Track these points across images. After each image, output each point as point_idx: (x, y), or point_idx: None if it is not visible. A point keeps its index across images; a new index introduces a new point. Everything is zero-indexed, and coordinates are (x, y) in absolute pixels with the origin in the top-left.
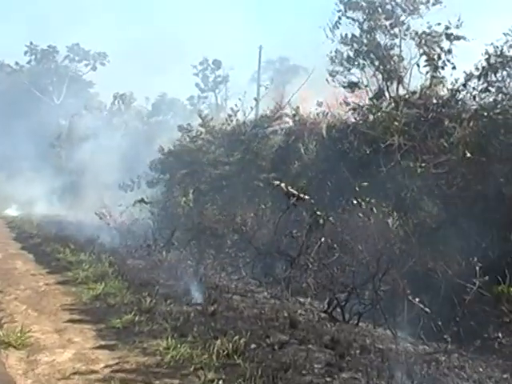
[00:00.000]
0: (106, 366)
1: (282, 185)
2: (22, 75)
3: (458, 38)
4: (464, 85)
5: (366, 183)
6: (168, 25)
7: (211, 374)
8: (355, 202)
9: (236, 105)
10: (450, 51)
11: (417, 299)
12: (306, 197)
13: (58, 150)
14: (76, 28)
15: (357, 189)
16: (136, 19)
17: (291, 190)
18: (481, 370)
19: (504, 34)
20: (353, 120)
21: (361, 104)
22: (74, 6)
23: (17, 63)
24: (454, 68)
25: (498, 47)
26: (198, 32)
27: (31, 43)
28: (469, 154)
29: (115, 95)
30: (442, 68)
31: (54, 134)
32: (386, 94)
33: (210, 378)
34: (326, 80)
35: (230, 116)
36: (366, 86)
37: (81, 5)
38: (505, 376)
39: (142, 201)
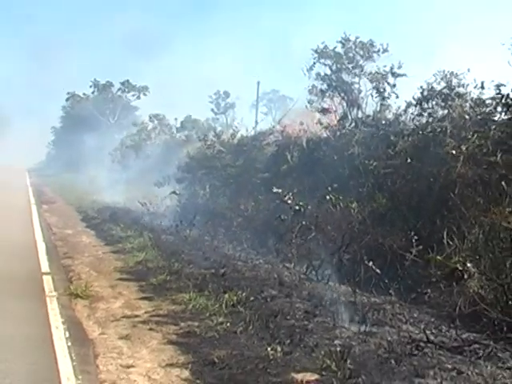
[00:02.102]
0: (146, 312)
1: (279, 191)
2: (87, 102)
3: (399, 75)
4: (405, 110)
5: (333, 184)
6: (193, 64)
7: (221, 318)
8: (328, 197)
9: (238, 124)
10: (394, 85)
11: (370, 264)
12: (289, 201)
13: (113, 156)
14: (127, 66)
15: (329, 188)
16: (169, 59)
17: (284, 197)
18: (415, 315)
19: (433, 74)
20: (325, 135)
21: (331, 124)
22: (126, 50)
23: (84, 94)
24: (397, 97)
25: (429, 83)
26: (215, 70)
27: (95, 79)
28: (408, 161)
29: (151, 116)
30: (389, 98)
31: (110, 145)
32: (349, 116)
33: (220, 321)
34: (306, 106)
35: (235, 132)
36: (335, 111)
37: (130, 49)
38: (432, 319)
39: (173, 193)
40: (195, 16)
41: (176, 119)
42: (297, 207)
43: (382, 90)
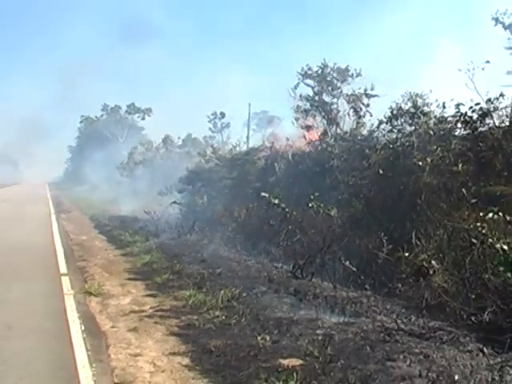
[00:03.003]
0: (151, 307)
1: (267, 195)
2: (98, 124)
3: (372, 96)
4: (377, 127)
5: (315, 192)
6: (192, 88)
7: (217, 312)
8: (310, 205)
9: (233, 142)
10: (368, 105)
11: (347, 263)
12: (276, 201)
13: (121, 171)
14: (132, 90)
15: (312, 197)
16: (172, 83)
17: (272, 200)
18: (388, 307)
19: (401, 95)
20: (308, 150)
21: (313, 139)
22: (129, 75)
23: (95, 116)
24: (371, 115)
25: (398, 103)
26: (212, 92)
27: (105, 104)
28: (381, 171)
29: (162, 138)
30: (363, 116)
31: (119, 161)
32: (329, 133)
33: (217, 315)
34: (292, 123)
35: (232, 148)
36: (317, 128)
37: (134, 74)
38: (402, 310)
39: (174, 202)
40: (198, 49)
41: (179, 138)
42: (279, 208)
43: (357, 110)
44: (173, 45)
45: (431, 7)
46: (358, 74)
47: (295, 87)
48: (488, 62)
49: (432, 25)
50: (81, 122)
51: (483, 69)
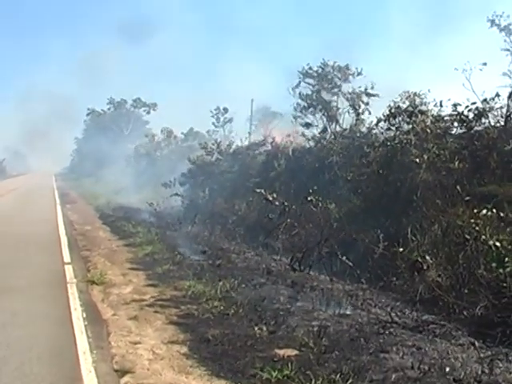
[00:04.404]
0: (152, 297)
1: (262, 191)
2: (105, 117)
3: (372, 95)
4: (376, 125)
5: (314, 187)
6: (194, 83)
7: (216, 302)
8: (309, 198)
9: (234, 136)
10: (367, 103)
11: (344, 257)
12: (271, 198)
13: (126, 163)
14: (139, 85)
15: (310, 191)
16: (176, 77)
17: (267, 195)
18: (382, 300)
19: (399, 94)
20: (308, 146)
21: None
22: (136, 71)
23: (102, 110)
24: (369, 114)
25: (396, 102)
26: (215, 87)
27: (111, 97)
28: (380, 171)
29: (162, 129)
30: (363, 114)
31: (124, 153)
32: (329, 130)
33: (215, 305)
34: (292, 121)
35: (232, 143)
36: (316, 125)
37: (141, 70)
38: (397, 304)
39: (176, 194)
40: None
41: (182, 133)
42: (277, 203)
43: (356, 108)
44: (180, 40)
45: (428, 7)
46: (359, 73)
47: (296, 86)
48: (485, 64)
49: (430, 24)
50: (87, 114)
51: (481, 70)
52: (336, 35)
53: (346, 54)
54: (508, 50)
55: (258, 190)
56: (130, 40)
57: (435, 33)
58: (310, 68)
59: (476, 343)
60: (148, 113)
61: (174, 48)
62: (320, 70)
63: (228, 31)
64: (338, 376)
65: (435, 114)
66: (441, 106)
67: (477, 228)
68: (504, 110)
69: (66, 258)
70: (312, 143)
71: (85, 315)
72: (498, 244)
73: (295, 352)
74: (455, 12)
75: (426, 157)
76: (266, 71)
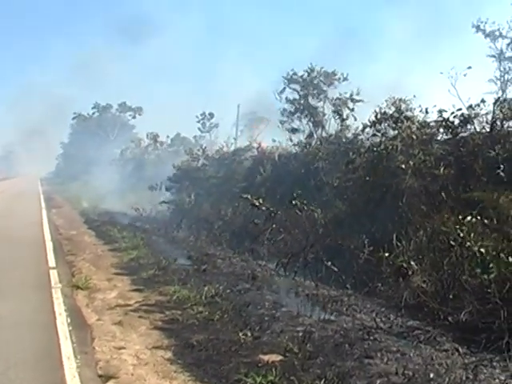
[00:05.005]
0: (136, 302)
1: (249, 197)
2: (91, 121)
3: (358, 100)
4: (362, 130)
5: (300, 191)
6: (180, 88)
7: (201, 307)
8: (294, 202)
9: (222, 142)
10: (353, 109)
11: (330, 263)
12: (257, 203)
13: (113, 167)
14: (124, 89)
15: (295, 195)
16: (162, 82)
17: (254, 201)
18: (367, 305)
19: (385, 100)
20: (294, 151)
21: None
22: (123, 75)
23: (88, 114)
24: (355, 119)
25: (382, 108)
26: (201, 93)
27: (96, 102)
28: (366, 177)
29: (148, 133)
30: (348, 119)
31: (110, 158)
32: (314, 135)
33: (200, 310)
34: (278, 126)
35: (221, 148)
36: (303, 131)
37: (128, 73)
38: (382, 309)
39: (164, 202)
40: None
41: (168, 137)
42: (263, 208)
43: (340, 113)
44: (171, 44)
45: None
46: (345, 79)
47: (281, 91)
48: (470, 67)
49: (416, 29)
50: (73, 118)
51: (465, 75)
52: (332, 38)
53: (340, 59)
54: (494, 56)
55: (245, 196)
56: (121, 43)
57: (429, 38)
58: (295, 73)
59: (460, 349)
60: (133, 117)
61: (164, 52)
62: (306, 75)
63: (220, 34)
64: (322, 382)
65: (421, 119)
66: (426, 112)
67: (461, 234)
68: (489, 117)
69: (51, 262)
70: (298, 149)
71: (69, 320)
72: (482, 250)
73: (280, 357)
74: (449, 17)
75: (411, 163)
76: (258, 75)
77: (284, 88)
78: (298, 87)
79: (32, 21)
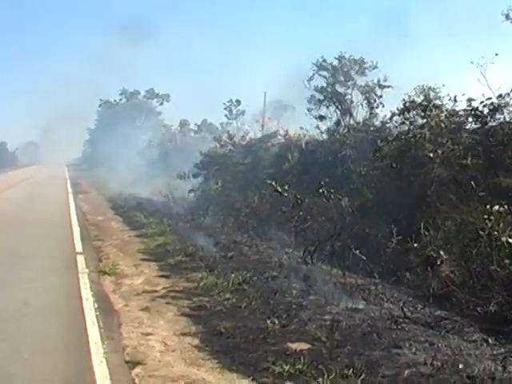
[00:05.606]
0: (163, 288)
1: (273, 183)
2: (118, 108)
3: (386, 87)
4: (390, 119)
5: (327, 180)
6: (210, 75)
7: (228, 294)
8: (321, 190)
9: (248, 127)
10: (381, 96)
11: (357, 251)
12: (280, 190)
13: (140, 154)
14: (152, 76)
15: (322, 183)
16: (189, 70)
17: (278, 187)
18: (395, 295)
19: (414, 88)
20: (321, 139)
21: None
22: (150, 62)
23: (115, 100)
24: (383, 107)
25: (410, 96)
26: (229, 80)
27: (123, 88)
28: (393, 165)
29: (181, 121)
30: (377, 107)
31: (136, 144)
32: (342, 123)
33: (227, 297)
34: (305, 114)
35: (245, 135)
36: (330, 118)
37: (156, 61)
38: (409, 299)
39: (191, 191)
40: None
41: (196, 124)
42: (289, 196)
43: (370, 101)
44: (196, 33)
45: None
46: (375, 67)
47: (310, 79)
48: (497, 54)
49: (445, 20)
50: (100, 105)
51: (492, 63)
52: (360, 30)
53: (373, 49)
54: None
55: (269, 182)
56: (144, 33)
57: (460, 28)
58: (325, 60)
59: (489, 340)
60: (161, 104)
61: (188, 41)
62: (336, 63)
63: (250, 24)
64: (350, 371)
65: (449, 108)
66: (455, 100)
67: (489, 224)
68: None
69: (78, 247)
70: (325, 136)
71: (96, 306)
72: (510, 240)
73: (307, 346)
74: (482, 7)
75: (439, 151)
76: (286, 63)
77: (313, 75)
78: (326, 74)
79: (57, 12)
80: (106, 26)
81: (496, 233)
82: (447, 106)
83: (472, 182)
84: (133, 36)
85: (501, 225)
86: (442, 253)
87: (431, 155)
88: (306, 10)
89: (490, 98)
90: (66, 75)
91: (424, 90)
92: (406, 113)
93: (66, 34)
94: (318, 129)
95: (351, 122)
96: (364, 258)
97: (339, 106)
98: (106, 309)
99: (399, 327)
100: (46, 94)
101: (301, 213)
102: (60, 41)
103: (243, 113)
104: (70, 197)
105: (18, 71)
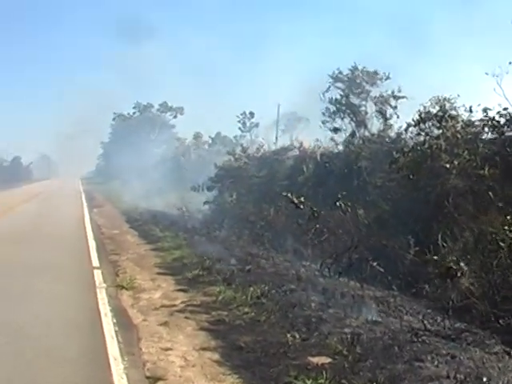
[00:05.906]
0: (182, 302)
1: (289, 195)
2: (131, 121)
3: (400, 97)
4: (405, 130)
5: (344, 192)
6: (223, 88)
7: (246, 308)
8: (338, 203)
9: (262, 140)
10: (395, 107)
11: (375, 263)
12: (296, 201)
13: (154, 167)
14: (165, 89)
15: (339, 196)
16: (201, 83)
17: (294, 199)
18: (414, 307)
19: (429, 99)
20: (336, 151)
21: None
22: (164, 75)
23: (128, 113)
24: (398, 117)
25: (425, 107)
26: (242, 93)
27: (137, 102)
28: (410, 176)
29: (195, 134)
30: (390, 118)
31: (150, 157)
32: (357, 134)
33: (246, 311)
34: (320, 126)
35: (260, 147)
36: (345, 130)
37: (169, 74)
38: (429, 311)
39: (206, 202)
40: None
41: (210, 137)
42: (305, 208)
43: (383, 112)
44: (209, 45)
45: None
46: (387, 77)
47: (326, 91)
48: (510, 63)
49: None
50: (113, 119)
51: (507, 72)
52: (375, 41)
53: (386, 60)
54: None
55: (285, 194)
56: (159, 45)
57: (475, 36)
58: (340, 72)
59: (511, 352)
60: (175, 117)
61: (202, 53)
62: (350, 74)
63: (263, 36)
64: None
65: (465, 119)
66: (471, 111)
67: (510, 235)
68: None
69: (95, 262)
70: (340, 148)
71: (115, 320)
72: None
73: (329, 360)
74: (496, 15)
75: (456, 162)
76: (300, 75)
77: (329, 87)
78: (342, 86)
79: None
80: (120, 38)
81: None
82: (463, 116)
83: (490, 193)
84: (147, 49)
85: None
86: (462, 264)
87: (448, 166)
88: (320, 20)
89: (506, 108)
90: (78, 88)
91: (439, 100)
92: (421, 124)
93: (80, 48)
94: (333, 141)
95: (366, 133)
96: (382, 269)
97: (354, 118)
98: (124, 324)
99: (420, 340)
100: (59, 108)
101: (317, 225)
102: (73, 53)
103: (257, 125)
104: (85, 210)
105: (31, 86)
